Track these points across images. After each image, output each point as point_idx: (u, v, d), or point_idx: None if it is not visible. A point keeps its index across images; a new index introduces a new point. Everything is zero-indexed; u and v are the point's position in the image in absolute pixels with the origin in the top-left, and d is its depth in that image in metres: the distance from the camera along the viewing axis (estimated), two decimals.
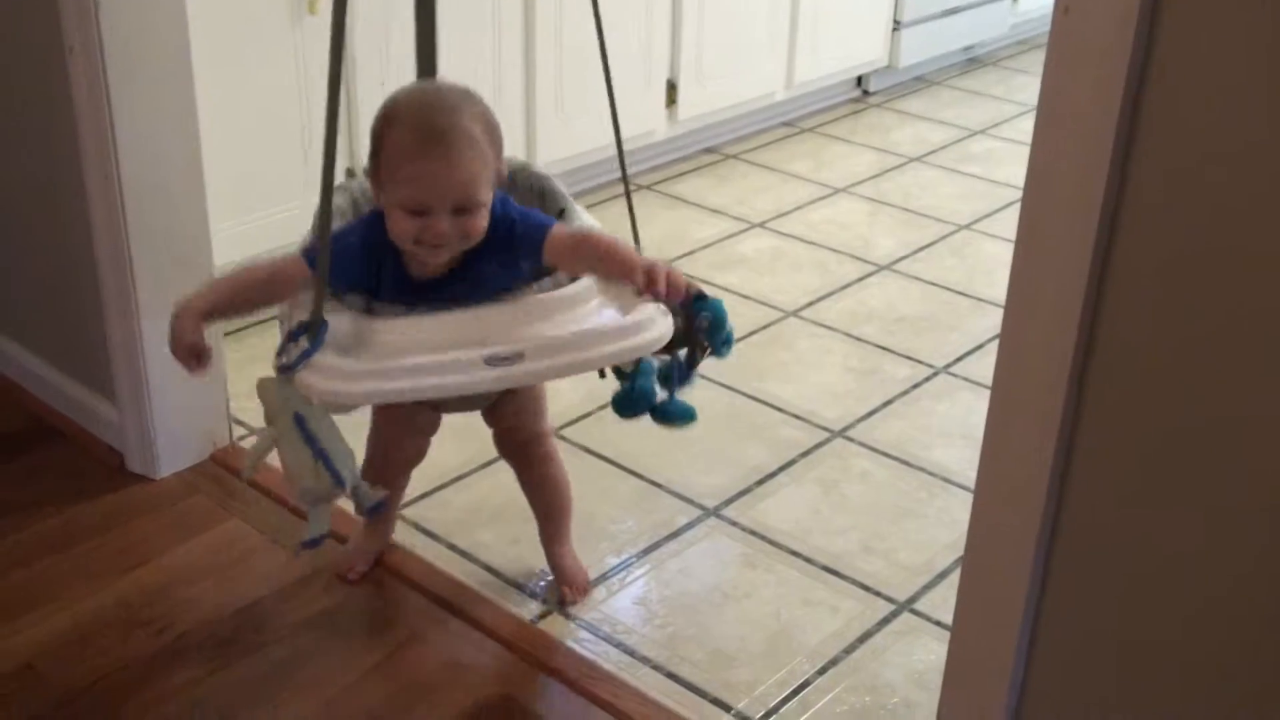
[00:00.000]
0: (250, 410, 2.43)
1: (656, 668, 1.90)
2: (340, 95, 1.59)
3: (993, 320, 2.87)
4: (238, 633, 1.92)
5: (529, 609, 2.00)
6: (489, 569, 2.08)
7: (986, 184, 3.64)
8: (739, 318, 2.84)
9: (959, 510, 2.24)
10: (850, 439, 2.45)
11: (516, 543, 2.12)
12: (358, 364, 1.57)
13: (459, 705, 1.80)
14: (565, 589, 2.01)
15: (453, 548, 2.12)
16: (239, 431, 2.38)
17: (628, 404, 1.81)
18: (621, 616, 1.99)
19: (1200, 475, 1.16)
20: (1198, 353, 1.14)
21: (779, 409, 2.54)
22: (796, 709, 1.83)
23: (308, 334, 1.58)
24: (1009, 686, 1.34)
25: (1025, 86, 4.41)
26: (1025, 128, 4.00)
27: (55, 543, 2.08)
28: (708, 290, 1.74)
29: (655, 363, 1.80)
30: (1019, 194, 1.22)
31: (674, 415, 1.82)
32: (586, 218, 1.86)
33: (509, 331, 1.62)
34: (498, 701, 1.81)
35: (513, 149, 3.09)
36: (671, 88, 3.49)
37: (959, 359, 2.73)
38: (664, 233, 3.26)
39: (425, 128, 1.61)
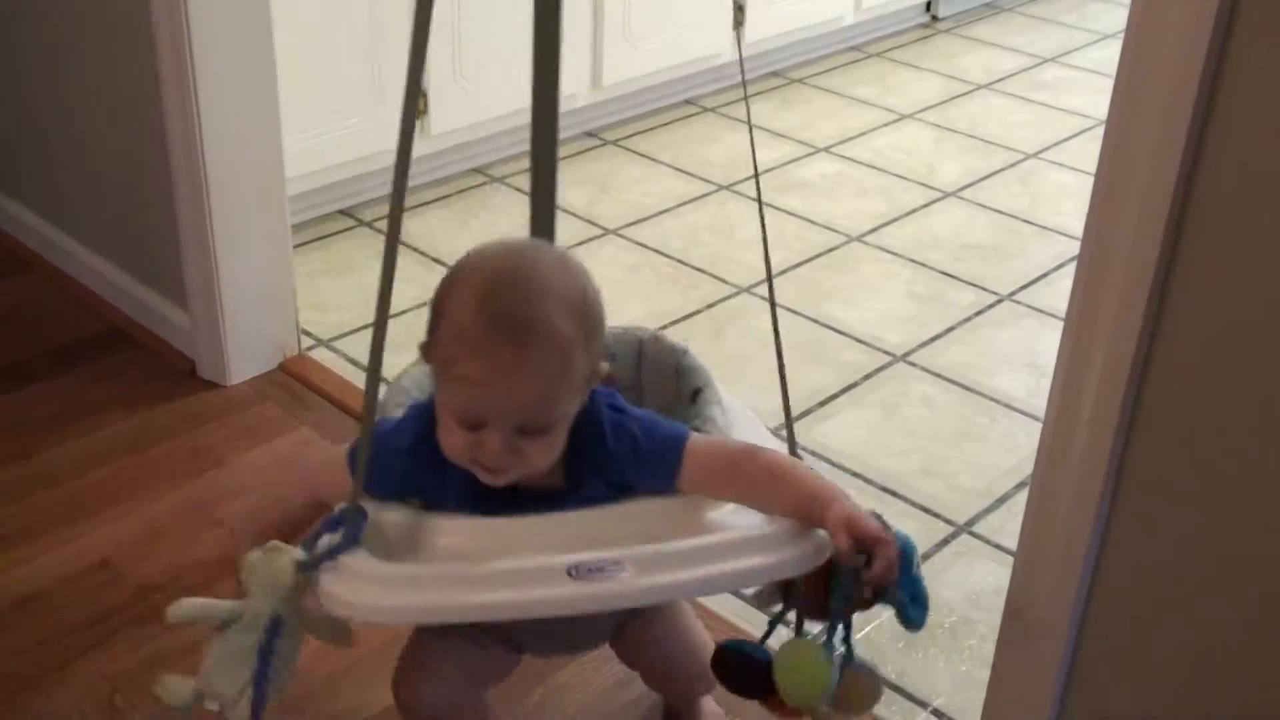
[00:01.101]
0: (318, 322, 2.47)
1: None
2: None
3: (1058, 249, 2.85)
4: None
5: None
6: None
7: (1055, 112, 3.60)
8: (802, 241, 2.85)
9: (1020, 436, 2.25)
10: (912, 363, 2.46)
11: None
12: (397, 569, 1.21)
13: None
14: None
15: None
16: (307, 342, 2.41)
17: (797, 667, 1.27)
18: None
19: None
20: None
21: (841, 332, 2.54)
22: (855, 624, 1.84)
23: (342, 526, 1.22)
24: (1071, 611, 1.35)
25: (1098, 14, 4.34)
26: (1096, 56, 3.96)
27: (130, 444, 2.13)
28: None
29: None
30: (1087, 123, 1.21)
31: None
32: (733, 404, 1.47)
33: (606, 537, 1.22)
34: None
35: (579, 75, 3.12)
36: (739, 10, 3.47)
37: (1023, 287, 2.72)
38: (728, 156, 3.25)
39: (497, 316, 1.18)
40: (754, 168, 1.33)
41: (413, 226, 2.83)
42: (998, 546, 2.00)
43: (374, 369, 1.22)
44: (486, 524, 1.25)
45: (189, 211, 2.18)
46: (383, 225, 2.84)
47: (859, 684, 1.28)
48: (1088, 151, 3.31)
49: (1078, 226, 1.25)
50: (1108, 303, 1.23)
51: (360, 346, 2.42)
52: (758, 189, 1.36)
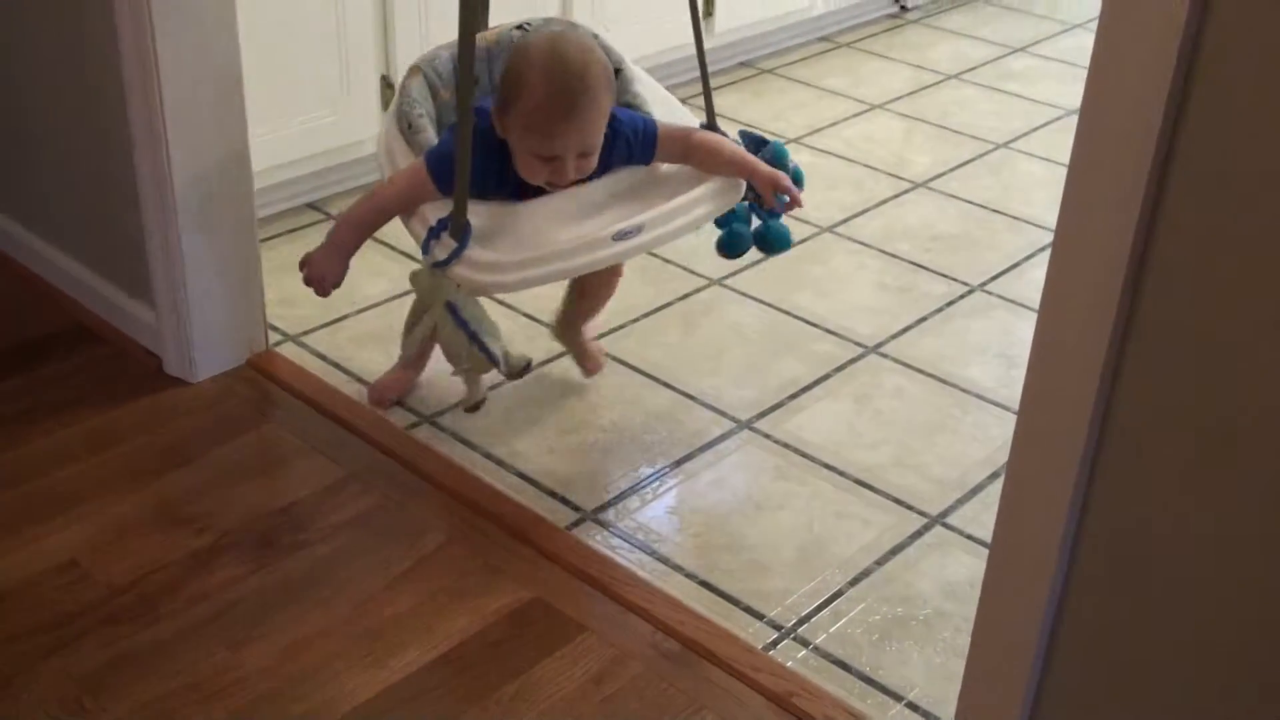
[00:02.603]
0: (285, 317, 2.45)
1: (689, 576, 1.91)
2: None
3: (1029, 239, 2.85)
4: (275, 534, 1.94)
5: (563, 516, 2.02)
6: (523, 476, 2.09)
7: (1025, 102, 3.60)
8: None
9: (993, 426, 2.24)
10: (884, 355, 2.45)
11: (551, 452, 2.14)
12: (504, 255, 1.81)
13: (492, 610, 1.82)
14: (588, 364, 2.29)
15: (488, 455, 2.13)
16: (275, 338, 2.39)
17: (732, 245, 2.08)
18: (655, 525, 2.01)
19: (1256, 391, 1.16)
20: (1255, 273, 1.13)
21: (813, 324, 2.54)
22: (828, 618, 1.85)
23: (450, 232, 1.80)
24: (1046, 602, 1.34)
25: (1067, 4, 4.35)
26: (1065, 46, 3.96)
27: (96, 443, 2.10)
28: None
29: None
30: (1057, 112, 1.21)
31: (774, 239, 2.08)
32: (645, 79, 2.12)
33: (631, 207, 1.89)
34: (531, 606, 1.84)
35: None
36: (708, 0, 3.46)
37: (994, 277, 2.72)
38: None
39: (560, 89, 1.80)
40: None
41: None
42: (971, 538, 2.00)
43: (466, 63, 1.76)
44: (546, 207, 1.88)
45: (154, 207, 2.15)
46: None
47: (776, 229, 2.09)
48: (1058, 141, 3.31)
49: (1049, 216, 1.25)
50: (1080, 293, 1.23)
51: (328, 342, 2.40)
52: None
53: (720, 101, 3.50)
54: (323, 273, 1.95)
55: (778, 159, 2.02)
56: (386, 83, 2.79)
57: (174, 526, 1.94)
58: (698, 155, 1.95)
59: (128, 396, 2.22)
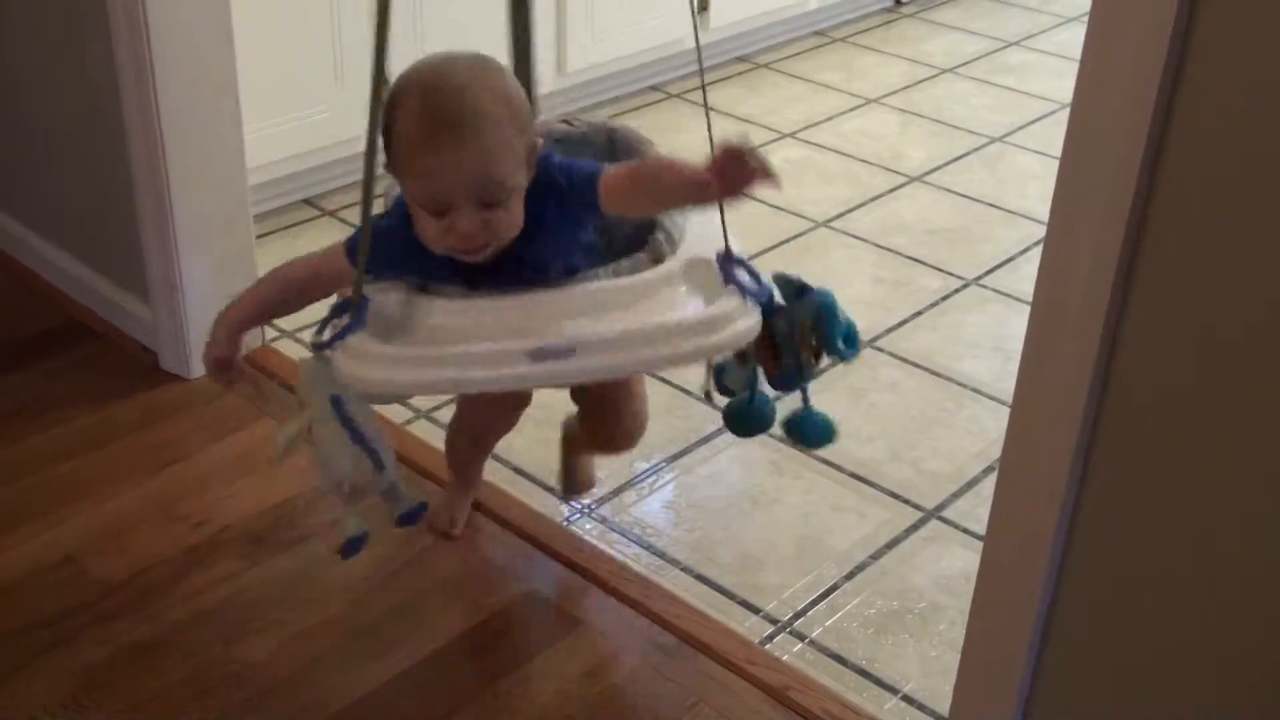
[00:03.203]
0: None
1: (685, 570, 1.92)
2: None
3: (1024, 232, 2.86)
4: (272, 529, 1.94)
5: (559, 511, 2.02)
6: (519, 471, 2.10)
7: (1019, 96, 3.60)
8: (768, 228, 2.84)
9: (988, 420, 2.25)
10: (880, 349, 2.45)
11: (547, 444, 2.14)
12: (396, 350, 1.42)
13: (489, 603, 1.83)
14: (567, 485, 1.99)
15: None
16: (271, 334, 2.39)
17: (744, 421, 1.56)
18: (651, 520, 2.01)
19: (1248, 385, 1.16)
20: (1247, 266, 1.13)
21: None
22: (824, 612, 1.85)
23: (350, 311, 1.43)
24: (1041, 595, 1.35)
25: None
26: (1060, 39, 3.96)
27: (93, 439, 2.10)
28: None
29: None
30: (1052, 106, 1.21)
31: (810, 434, 1.56)
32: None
33: (563, 322, 1.41)
34: (526, 600, 1.84)
35: (543, 61, 3.09)
36: None
37: (990, 271, 2.72)
38: (693, 142, 3.24)
39: (431, 114, 1.40)
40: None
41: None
42: (967, 531, 2.00)
43: (370, 155, 1.37)
44: (468, 306, 1.44)
45: (149, 203, 2.16)
46: (347, 215, 2.83)
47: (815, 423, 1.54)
48: (1052, 135, 3.31)
49: (1043, 210, 1.25)
50: (1074, 286, 1.23)
51: None
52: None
53: (716, 97, 3.51)
54: (212, 356, 1.59)
55: (825, 311, 1.50)
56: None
57: (170, 522, 1.94)
58: (644, 186, 1.49)
59: (124, 393, 2.22)
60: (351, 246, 1.48)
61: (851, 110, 3.49)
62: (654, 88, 3.50)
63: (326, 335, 1.44)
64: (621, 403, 1.78)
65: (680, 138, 3.20)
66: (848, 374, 2.37)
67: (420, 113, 1.40)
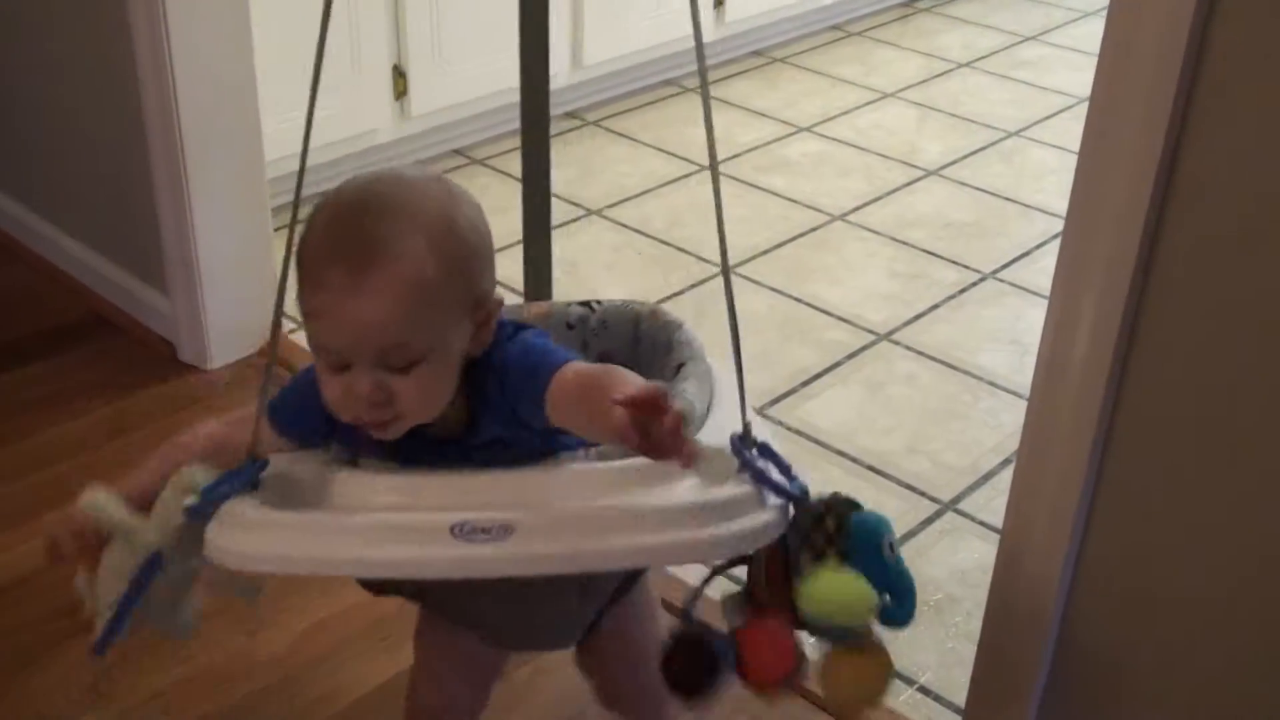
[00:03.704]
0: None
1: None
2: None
3: (1041, 226, 2.85)
4: None
5: None
6: None
7: (1036, 90, 3.60)
8: (785, 221, 2.84)
9: (1004, 413, 2.25)
10: (896, 342, 2.46)
11: None
12: (281, 516, 1.08)
13: None
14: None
15: None
16: (289, 325, 2.40)
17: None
18: None
19: (1267, 378, 1.16)
20: (1266, 260, 1.13)
21: (825, 311, 2.54)
22: None
23: (243, 474, 1.12)
24: (1058, 587, 1.35)
25: None
26: (1076, 33, 3.95)
27: (113, 429, 2.12)
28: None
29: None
30: (1069, 100, 1.21)
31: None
32: (717, 380, 1.35)
33: (501, 495, 1.06)
34: None
35: (559, 55, 3.10)
36: None
37: (1006, 265, 2.72)
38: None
39: (340, 235, 1.07)
40: (710, 148, 1.19)
41: None
42: (983, 524, 2.00)
43: (277, 320, 1.16)
44: (389, 477, 1.12)
45: (168, 196, 2.17)
46: None
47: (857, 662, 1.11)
48: (1069, 129, 3.31)
49: (1060, 204, 1.25)
50: (1091, 280, 1.23)
51: None
52: (714, 169, 1.20)
53: (732, 91, 3.51)
54: (64, 530, 1.23)
55: (872, 532, 1.11)
56: (398, 72, 2.80)
57: None
58: (585, 406, 1.04)
59: (143, 384, 2.23)
60: (273, 408, 1.18)
61: (868, 104, 3.49)
62: (669, 82, 3.50)
63: (200, 496, 1.10)
64: (621, 660, 1.36)
65: (695, 132, 3.20)
66: (864, 366, 2.37)
67: (322, 235, 1.08)
